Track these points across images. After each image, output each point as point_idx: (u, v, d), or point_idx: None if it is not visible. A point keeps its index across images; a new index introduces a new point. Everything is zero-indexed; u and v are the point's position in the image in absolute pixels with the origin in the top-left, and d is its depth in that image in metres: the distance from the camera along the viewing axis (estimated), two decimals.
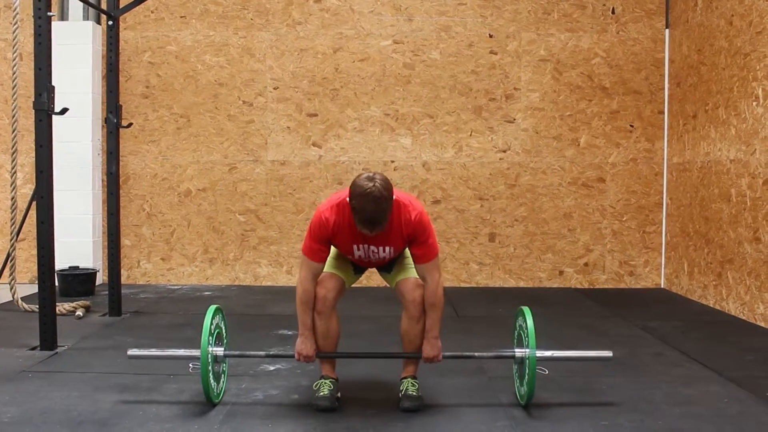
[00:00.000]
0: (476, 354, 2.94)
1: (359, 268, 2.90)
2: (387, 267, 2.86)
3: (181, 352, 2.92)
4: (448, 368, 3.29)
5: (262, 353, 3.08)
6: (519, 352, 2.77)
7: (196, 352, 2.73)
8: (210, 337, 2.70)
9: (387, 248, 2.69)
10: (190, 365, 2.78)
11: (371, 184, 2.45)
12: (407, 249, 2.78)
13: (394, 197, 2.53)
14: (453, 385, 3.05)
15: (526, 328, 2.71)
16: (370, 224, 2.48)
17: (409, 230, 2.63)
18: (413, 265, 2.75)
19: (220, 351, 2.79)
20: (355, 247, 2.69)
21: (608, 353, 2.90)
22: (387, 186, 2.48)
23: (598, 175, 5.71)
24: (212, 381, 2.72)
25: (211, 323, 2.73)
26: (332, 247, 2.81)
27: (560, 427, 2.56)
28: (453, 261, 5.73)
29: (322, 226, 2.62)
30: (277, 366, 3.32)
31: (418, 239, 2.64)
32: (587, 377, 3.18)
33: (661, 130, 5.69)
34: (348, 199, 2.53)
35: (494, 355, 2.96)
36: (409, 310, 2.76)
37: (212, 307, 2.78)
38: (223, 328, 2.88)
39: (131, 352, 2.93)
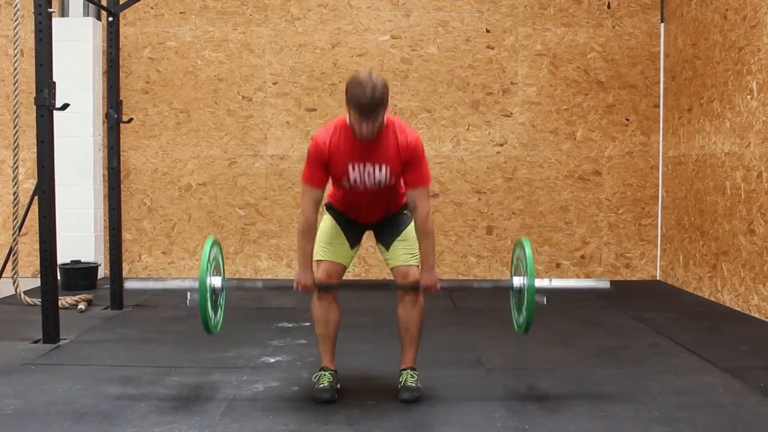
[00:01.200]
0: (474, 284, 2.95)
1: (355, 240, 2.87)
2: (383, 234, 2.84)
3: (180, 282, 2.90)
4: (446, 360, 3.35)
5: (259, 284, 3.08)
6: (517, 280, 2.76)
7: (194, 283, 2.69)
8: (208, 268, 2.67)
9: (383, 167, 2.65)
10: (188, 294, 2.73)
11: (367, 75, 2.54)
12: (404, 227, 2.80)
13: (387, 87, 2.57)
14: (451, 376, 3.08)
15: (525, 258, 2.68)
16: (366, 109, 2.49)
17: (405, 151, 2.64)
18: (408, 251, 2.78)
19: (218, 282, 2.76)
20: (350, 167, 2.65)
21: (606, 283, 2.90)
22: (383, 79, 2.56)
23: (594, 169, 5.76)
24: (210, 311, 2.71)
25: (209, 254, 2.70)
26: (326, 228, 2.80)
27: (557, 417, 2.58)
28: (451, 254, 5.78)
29: (317, 145, 2.65)
30: (277, 358, 3.35)
31: (413, 163, 2.65)
32: (584, 368, 3.22)
33: (656, 124, 5.73)
34: (345, 88, 2.57)
35: (493, 284, 2.98)
36: (403, 297, 2.80)
37: (210, 239, 2.76)
38: (220, 259, 2.86)
39: (130, 285, 2.93)
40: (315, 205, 2.70)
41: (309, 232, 2.70)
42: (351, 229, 2.87)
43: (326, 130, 2.68)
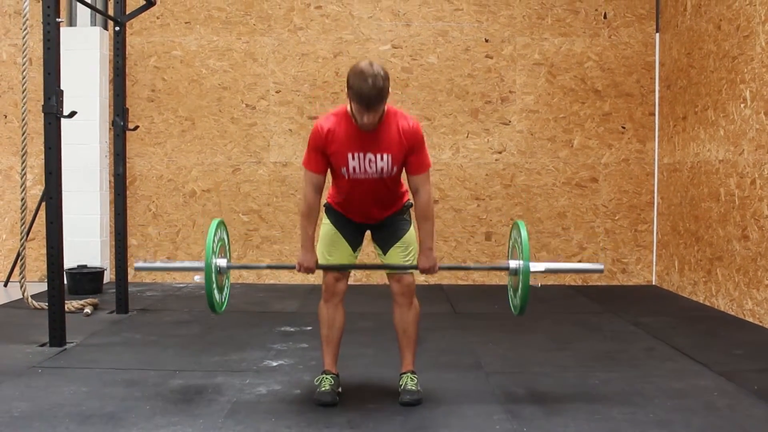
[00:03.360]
0: (471, 266, 2.96)
1: (356, 243, 2.87)
2: (381, 237, 2.84)
3: (187, 263, 2.93)
4: (446, 364, 3.37)
5: (263, 265, 3.08)
6: (513, 263, 2.78)
7: (200, 264, 2.73)
8: (214, 249, 2.70)
9: (384, 156, 2.64)
10: (195, 277, 2.77)
11: (369, 66, 2.52)
12: (403, 234, 2.81)
13: (389, 81, 2.54)
14: (451, 379, 3.10)
15: (521, 241, 2.71)
16: (368, 101, 2.48)
17: (407, 137, 2.64)
18: (405, 255, 2.80)
19: (223, 263, 2.79)
20: (350, 156, 2.64)
21: (600, 266, 2.95)
22: (384, 70, 2.53)
23: (591, 176, 5.82)
24: (216, 292, 2.74)
25: (215, 236, 2.72)
26: (326, 234, 2.81)
27: (555, 419, 2.59)
28: (450, 259, 5.84)
29: (317, 132, 2.65)
30: (280, 362, 3.38)
31: (414, 149, 2.65)
32: (581, 371, 3.25)
33: (652, 132, 5.80)
34: (347, 81, 2.54)
35: (489, 267, 3.00)
36: (398, 300, 2.84)
37: (215, 221, 2.78)
38: (226, 240, 2.89)
39: (138, 264, 2.94)
40: (316, 190, 2.72)
41: (310, 214, 2.73)
42: (351, 231, 2.87)
43: (326, 118, 2.68)
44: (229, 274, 2.92)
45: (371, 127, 2.59)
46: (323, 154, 2.67)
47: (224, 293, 2.88)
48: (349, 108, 2.63)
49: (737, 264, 4.46)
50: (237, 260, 5.84)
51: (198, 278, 2.76)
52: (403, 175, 2.81)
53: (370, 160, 2.65)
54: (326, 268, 2.82)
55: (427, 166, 2.72)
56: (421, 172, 2.70)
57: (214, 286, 2.73)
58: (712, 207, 4.80)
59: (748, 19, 4.34)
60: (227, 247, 2.90)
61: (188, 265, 2.91)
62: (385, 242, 2.86)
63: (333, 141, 2.64)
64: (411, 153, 2.67)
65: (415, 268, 2.79)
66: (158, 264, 3.01)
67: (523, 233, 2.71)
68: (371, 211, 2.82)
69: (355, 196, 2.77)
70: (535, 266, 2.71)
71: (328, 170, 2.77)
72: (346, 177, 2.71)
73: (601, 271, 2.94)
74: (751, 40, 4.31)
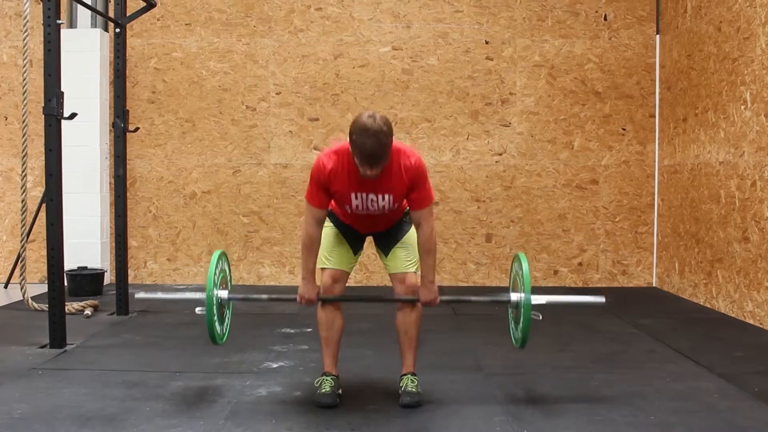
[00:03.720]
0: (473, 298, 2.99)
1: (357, 246, 2.89)
2: (383, 242, 2.86)
3: (188, 295, 2.93)
4: (446, 365, 3.37)
5: (264, 296, 3.12)
6: (514, 296, 2.80)
7: (201, 295, 2.74)
8: (215, 280, 2.72)
9: (386, 196, 2.67)
10: (198, 309, 2.78)
11: (372, 121, 2.46)
12: (404, 234, 2.83)
13: (393, 136, 2.53)
14: (451, 381, 3.10)
15: (522, 274, 2.73)
16: (371, 159, 2.47)
17: (409, 175, 2.63)
18: (406, 258, 2.82)
19: (224, 294, 2.81)
20: (353, 195, 2.67)
21: (601, 299, 2.92)
22: (387, 123, 2.49)
23: (591, 177, 5.83)
24: (217, 324, 2.75)
25: (216, 267, 2.74)
26: (328, 235, 2.83)
27: (555, 421, 2.60)
28: (451, 261, 5.85)
29: (319, 170, 2.64)
30: (280, 363, 3.38)
31: (416, 185, 2.66)
32: (581, 373, 3.25)
33: (652, 133, 5.80)
34: (349, 134, 2.52)
35: (490, 299, 3.01)
36: (401, 302, 2.85)
37: (217, 252, 2.80)
38: (228, 271, 2.90)
39: (139, 295, 2.94)
40: (318, 223, 2.74)
41: (311, 247, 2.75)
42: (352, 235, 2.90)
43: (328, 156, 2.66)
44: (230, 305, 2.94)
45: (374, 177, 2.59)
46: (326, 190, 2.69)
47: (225, 324, 2.90)
48: (350, 148, 2.59)
49: (738, 266, 4.46)
50: (237, 261, 5.85)
51: (199, 310, 2.78)
52: None
53: (372, 200, 2.68)
54: (328, 300, 2.85)
55: (430, 201, 2.72)
56: (423, 207, 2.70)
57: (216, 318, 2.75)
58: (713, 209, 4.80)
59: (749, 21, 4.34)
60: (228, 278, 2.92)
61: (190, 297, 2.94)
62: (386, 244, 2.89)
63: (335, 180, 2.65)
64: (412, 189, 2.68)
65: (417, 301, 2.82)
66: (159, 295, 3.04)
67: (524, 266, 2.73)
68: (373, 229, 2.88)
69: (357, 221, 2.83)
70: (537, 299, 2.73)
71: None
72: (349, 211, 2.76)
73: (602, 304, 2.94)
74: (751, 42, 4.31)
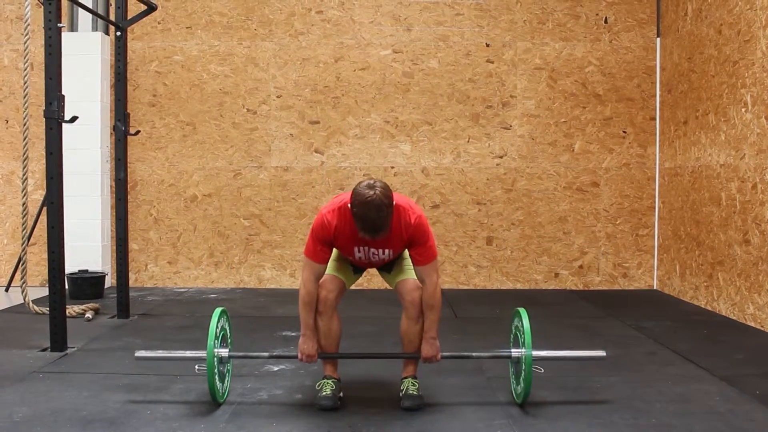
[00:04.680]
0: (474, 354, 3.01)
1: (359, 269, 2.96)
2: (387, 267, 2.92)
3: (188, 353, 2.96)
4: (447, 368, 3.33)
5: (265, 354, 3.11)
6: (515, 352, 2.83)
7: (202, 354, 2.76)
8: (216, 339, 2.75)
9: (387, 251, 2.76)
10: (197, 367, 2.83)
11: (372, 192, 2.50)
12: (407, 250, 2.84)
13: (394, 203, 2.58)
14: (452, 384, 3.10)
15: (522, 329, 2.76)
16: (372, 231, 2.55)
17: (408, 233, 2.68)
18: (412, 267, 2.81)
19: (225, 352, 2.83)
20: (356, 249, 2.76)
21: (601, 353, 2.97)
22: (387, 193, 2.54)
23: (592, 180, 5.83)
24: (217, 382, 2.77)
25: (217, 325, 2.78)
26: (333, 249, 2.87)
27: (556, 424, 2.61)
28: (451, 264, 5.85)
29: (324, 228, 2.68)
30: (281, 366, 3.38)
31: (417, 242, 2.70)
32: (582, 376, 3.24)
33: (653, 136, 5.80)
34: (350, 206, 2.58)
35: (491, 355, 3.02)
36: (408, 310, 2.82)
37: (218, 310, 2.83)
38: (228, 329, 2.93)
39: (139, 353, 2.97)
40: (316, 279, 2.77)
41: (310, 303, 2.77)
42: (357, 265, 2.94)
43: (332, 211, 2.70)
44: (231, 363, 2.97)
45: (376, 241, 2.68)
46: (329, 246, 2.75)
47: (225, 382, 2.91)
48: (353, 217, 2.63)
49: (738, 268, 4.46)
50: (238, 265, 5.86)
51: (199, 369, 2.81)
52: None
53: (373, 253, 2.77)
54: (327, 357, 2.87)
55: (433, 257, 2.74)
56: (427, 263, 2.73)
57: (216, 376, 2.76)
58: (714, 211, 4.80)
59: (749, 23, 4.35)
60: (229, 336, 2.95)
61: (190, 356, 2.95)
62: (389, 267, 2.92)
63: (339, 237, 2.72)
64: (413, 246, 2.73)
65: (417, 357, 2.84)
66: (160, 354, 3.06)
67: (525, 322, 2.76)
68: (375, 266, 2.95)
69: (360, 264, 2.92)
70: (538, 354, 2.77)
71: None
72: (351, 260, 2.87)
73: (603, 359, 2.99)
74: (751, 44, 4.32)
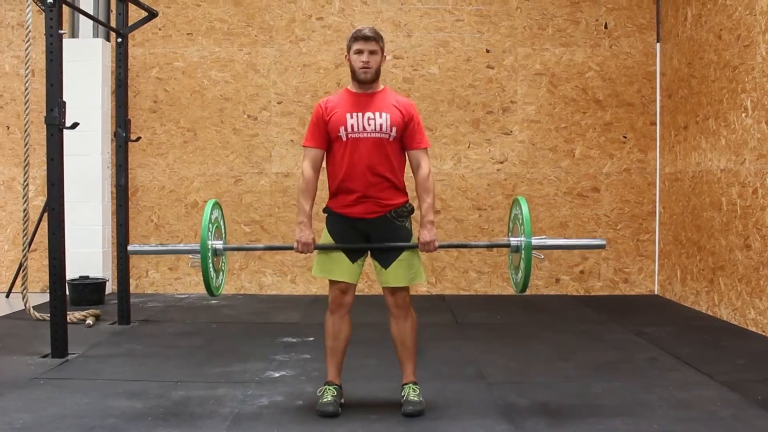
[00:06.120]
0: (472, 243, 3.01)
1: (355, 256, 2.82)
2: (383, 254, 2.81)
3: (181, 246, 2.90)
4: (448, 374, 3.37)
5: (261, 246, 3.07)
6: (514, 240, 2.78)
7: (195, 246, 2.70)
8: (209, 231, 2.66)
9: (383, 114, 2.75)
10: (191, 258, 2.73)
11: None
12: (406, 247, 2.79)
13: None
14: (453, 390, 3.10)
15: (522, 217, 2.69)
16: (365, 35, 2.73)
17: (404, 106, 2.80)
18: (403, 274, 2.79)
19: (219, 244, 2.76)
20: (348, 115, 2.75)
21: (602, 241, 2.98)
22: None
23: (592, 185, 5.83)
24: (212, 273, 2.70)
25: (210, 217, 2.69)
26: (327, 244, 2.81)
27: (557, 430, 2.60)
28: (452, 269, 5.84)
29: (318, 108, 2.81)
30: (282, 373, 3.38)
31: (412, 122, 2.79)
32: (583, 381, 3.25)
33: (653, 141, 5.81)
34: (347, 46, 2.80)
35: (489, 244, 3.05)
36: (394, 312, 2.85)
37: (211, 201, 2.76)
38: (222, 222, 2.85)
39: (131, 247, 2.91)
40: (314, 166, 2.81)
41: (308, 190, 2.80)
42: (350, 241, 2.82)
43: (327, 96, 2.91)
44: (225, 256, 2.89)
45: (370, 72, 2.74)
46: (324, 124, 2.78)
47: (221, 276, 2.86)
48: (348, 52, 2.81)
49: (740, 273, 4.46)
50: (239, 270, 5.85)
51: (193, 261, 2.71)
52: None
53: (369, 118, 2.75)
54: (322, 248, 2.81)
55: (426, 143, 2.85)
56: (420, 147, 2.83)
57: (211, 267, 2.71)
58: (714, 216, 4.80)
59: (749, 28, 4.36)
60: (223, 229, 2.87)
61: (183, 248, 2.86)
62: (386, 257, 2.82)
63: (333, 108, 2.79)
64: (408, 125, 2.79)
65: (415, 246, 2.80)
66: (151, 247, 2.96)
67: (524, 208, 2.70)
68: (371, 182, 2.75)
69: (353, 164, 2.74)
70: (538, 241, 2.72)
71: (325, 153, 2.84)
72: (344, 138, 2.74)
73: (603, 247, 2.98)
74: (751, 49, 4.33)
